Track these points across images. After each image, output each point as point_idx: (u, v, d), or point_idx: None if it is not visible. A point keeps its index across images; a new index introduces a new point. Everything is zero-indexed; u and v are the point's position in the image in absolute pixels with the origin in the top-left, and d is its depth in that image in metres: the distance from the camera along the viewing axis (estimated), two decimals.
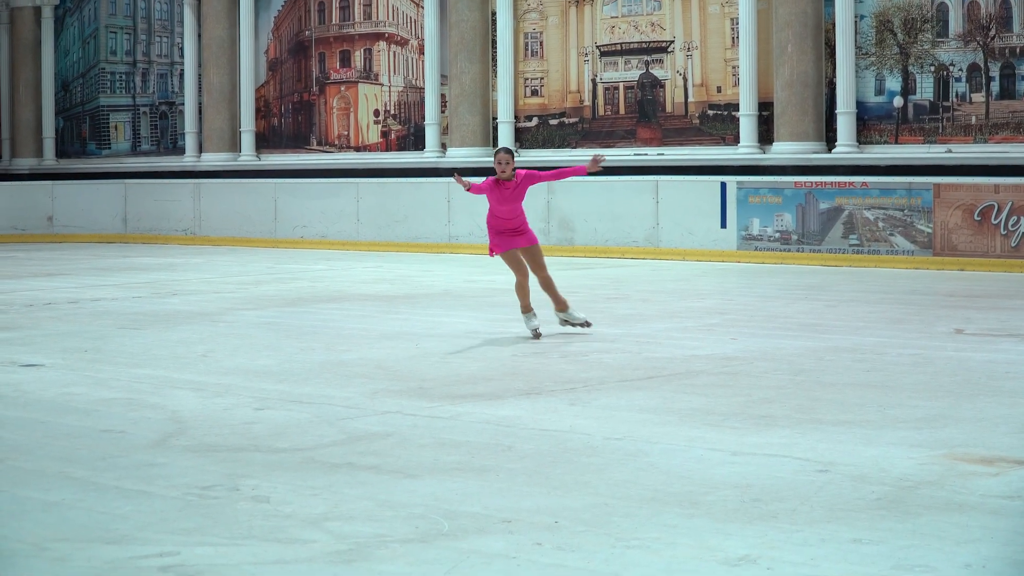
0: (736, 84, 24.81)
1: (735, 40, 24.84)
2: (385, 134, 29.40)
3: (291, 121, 30.93)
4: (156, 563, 5.69)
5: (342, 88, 30.13)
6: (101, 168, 33.77)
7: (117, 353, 13.06)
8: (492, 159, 25.79)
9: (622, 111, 26.45)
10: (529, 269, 13.19)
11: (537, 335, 12.99)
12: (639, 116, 26.14)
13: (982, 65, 22.71)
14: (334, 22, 30.35)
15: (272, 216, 29.67)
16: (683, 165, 25.07)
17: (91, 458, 8.11)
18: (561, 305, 13.25)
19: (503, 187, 13.31)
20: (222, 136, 31.17)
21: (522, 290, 13.21)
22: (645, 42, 26.07)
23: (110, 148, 34.19)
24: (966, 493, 7.05)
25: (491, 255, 13.77)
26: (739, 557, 5.80)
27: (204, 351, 13.22)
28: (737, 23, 24.65)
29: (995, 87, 22.72)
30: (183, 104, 32.21)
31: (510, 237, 13.37)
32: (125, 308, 17.25)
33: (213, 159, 31.34)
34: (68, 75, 35.14)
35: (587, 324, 13.31)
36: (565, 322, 13.22)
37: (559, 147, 26.99)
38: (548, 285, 13.40)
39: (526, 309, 13.23)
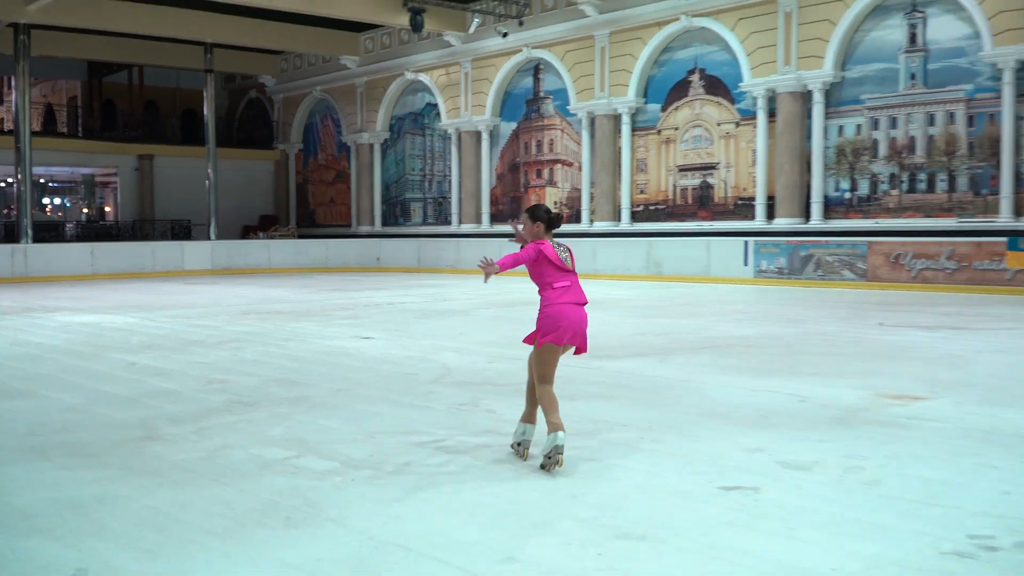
0: (755, 186, 25.18)
1: (754, 161, 25.16)
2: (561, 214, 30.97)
3: (508, 207, 31.59)
4: (434, 445, 6.17)
5: (536, 189, 30.85)
6: (405, 232, 34.93)
7: (413, 331, 13.32)
8: (614, 229, 26.87)
9: (690, 201, 26.94)
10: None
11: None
12: (699, 205, 26.65)
13: (897, 174, 22.79)
14: (533, 153, 31.04)
15: (499, 258, 31.67)
16: (724, 231, 25.51)
17: (398, 388, 8.46)
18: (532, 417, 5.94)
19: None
20: (472, 214, 32.38)
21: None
22: (703, 163, 26.60)
23: (410, 221, 35.38)
24: (886, 415, 7.21)
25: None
26: (754, 447, 6.07)
27: (461, 331, 13.37)
28: (755, 152, 25.07)
29: (904, 186, 22.67)
30: (451, 198, 33.35)
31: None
32: (418, 307, 17.49)
33: (466, 227, 32.50)
34: (389, 180, 36.38)
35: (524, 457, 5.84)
36: (518, 444, 5.93)
37: (656, 221, 27.60)
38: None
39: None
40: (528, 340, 6.06)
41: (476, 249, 31.42)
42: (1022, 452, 6.04)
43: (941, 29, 22.19)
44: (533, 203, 5.57)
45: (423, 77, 34.21)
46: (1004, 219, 20.94)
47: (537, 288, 6.15)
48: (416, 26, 28.68)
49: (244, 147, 41.05)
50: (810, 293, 21.06)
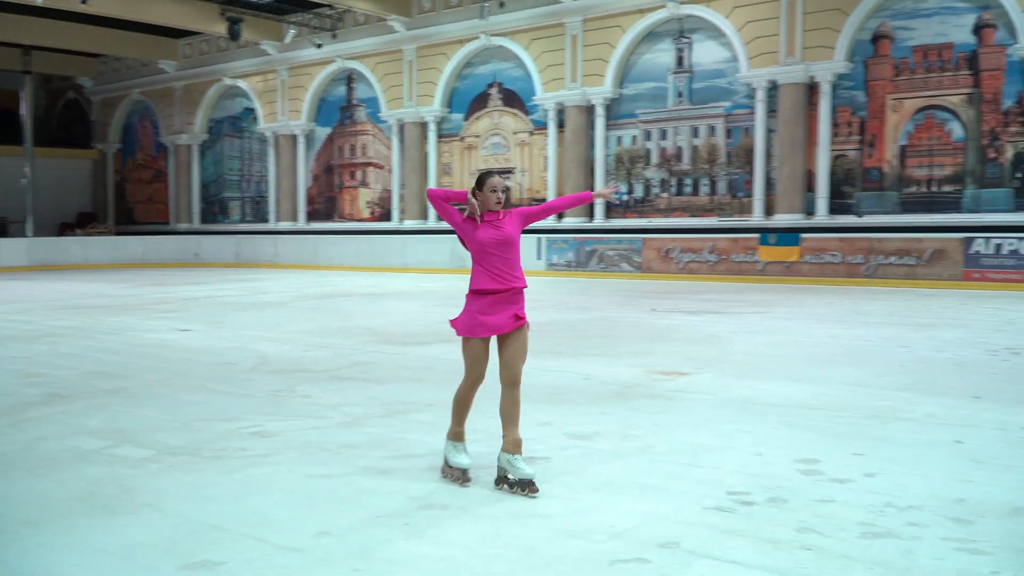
0: (546, 188, 25.46)
1: (546, 167, 25.49)
2: (372, 212, 29.68)
3: (324, 206, 30.95)
4: (251, 431, 5.98)
5: (350, 189, 30.29)
6: (224, 229, 33.67)
7: (232, 323, 12.96)
8: (422, 226, 26.69)
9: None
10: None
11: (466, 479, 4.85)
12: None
13: (667, 179, 23.58)
14: (346, 156, 30.48)
15: (314, 253, 30.06)
16: (524, 229, 26.78)
17: (216, 377, 8.19)
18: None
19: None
20: (288, 213, 31.44)
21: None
22: (502, 168, 26.65)
23: (229, 218, 34.08)
24: (657, 389, 7.45)
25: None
26: (545, 422, 6.17)
27: (278, 322, 13.01)
28: (547, 158, 25.41)
29: (673, 190, 23.46)
30: (269, 197, 32.28)
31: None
32: (237, 300, 16.91)
33: (283, 225, 31.58)
34: (207, 180, 34.83)
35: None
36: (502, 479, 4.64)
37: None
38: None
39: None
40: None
41: (293, 245, 30.95)
42: (773, 419, 6.34)
43: (705, 53, 23.29)
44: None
45: (241, 83, 33.20)
46: (757, 218, 22.21)
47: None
48: (234, 35, 27.74)
49: (62, 146, 38.59)
50: (594, 283, 21.50)
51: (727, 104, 22.93)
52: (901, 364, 8.75)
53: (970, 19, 19.72)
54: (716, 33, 22.92)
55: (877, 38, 20.84)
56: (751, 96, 22.39)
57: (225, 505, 4.49)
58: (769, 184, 22.15)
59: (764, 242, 21.48)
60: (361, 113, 30.39)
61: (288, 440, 5.80)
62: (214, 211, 35.08)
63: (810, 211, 21.52)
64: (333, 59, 30.11)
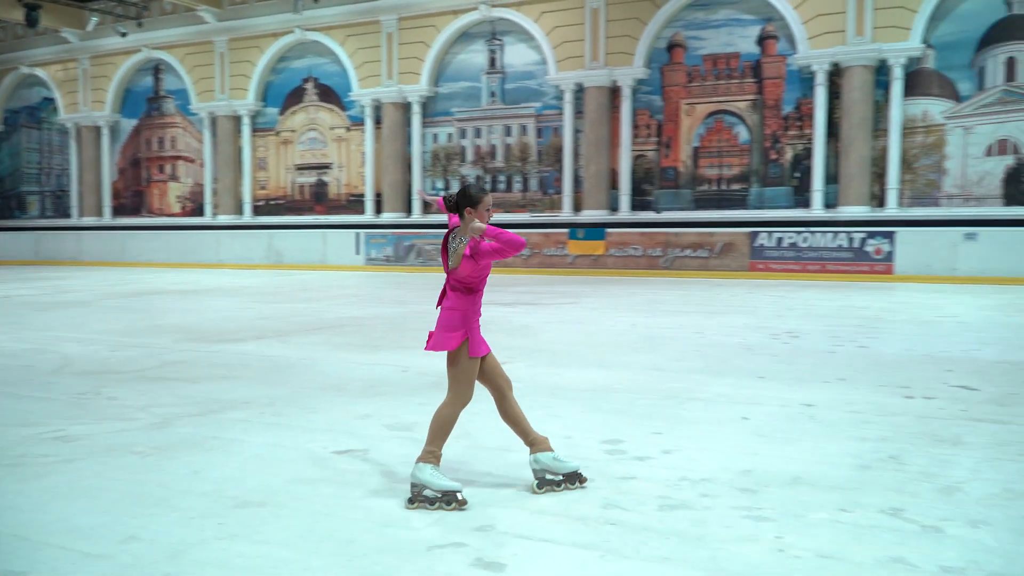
0: (364, 184, 25.34)
1: (364, 162, 25.35)
2: (183, 207, 28.67)
3: (132, 200, 29.70)
4: (53, 435, 5.65)
5: (159, 183, 29.11)
6: (22, 225, 31.73)
7: (31, 324, 12.27)
8: (236, 221, 26.10)
9: (307, 197, 26.64)
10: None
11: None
12: (316, 200, 26.43)
13: (482, 175, 23.90)
14: (155, 149, 29.32)
15: (121, 249, 28.75)
16: (338, 224, 25.34)
17: (15, 381, 7.75)
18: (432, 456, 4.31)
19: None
20: (93, 208, 29.95)
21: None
22: (319, 163, 26.39)
23: (27, 214, 32.15)
24: (431, 375, 7.58)
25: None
26: (364, 414, 6.06)
27: (82, 321, 12.40)
28: (365, 154, 25.27)
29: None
30: (70, 191, 30.73)
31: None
32: (37, 299, 16.04)
33: (88, 220, 30.06)
34: (3, 173, 32.76)
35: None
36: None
37: (276, 215, 27.00)
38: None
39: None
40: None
41: (98, 242, 29.32)
42: (581, 404, 6.51)
43: (516, 55, 23.69)
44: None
45: (40, 71, 31.07)
46: (566, 214, 22.83)
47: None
48: (32, 22, 25.87)
49: None
50: (412, 277, 21.40)
51: (537, 105, 23.43)
52: (695, 349, 9.16)
53: (755, 31, 20.98)
54: (526, 36, 23.37)
55: (672, 47, 21.84)
56: (560, 97, 22.98)
57: (27, 514, 4.20)
58: (577, 182, 22.81)
59: (573, 237, 22.11)
60: (170, 105, 29.16)
61: (93, 444, 5.48)
62: (11, 206, 32.85)
63: (614, 207, 22.32)
64: (139, 48, 28.71)
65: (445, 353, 4.36)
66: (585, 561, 3.58)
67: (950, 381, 7.33)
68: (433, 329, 4.39)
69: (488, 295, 16.01)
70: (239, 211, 27.56)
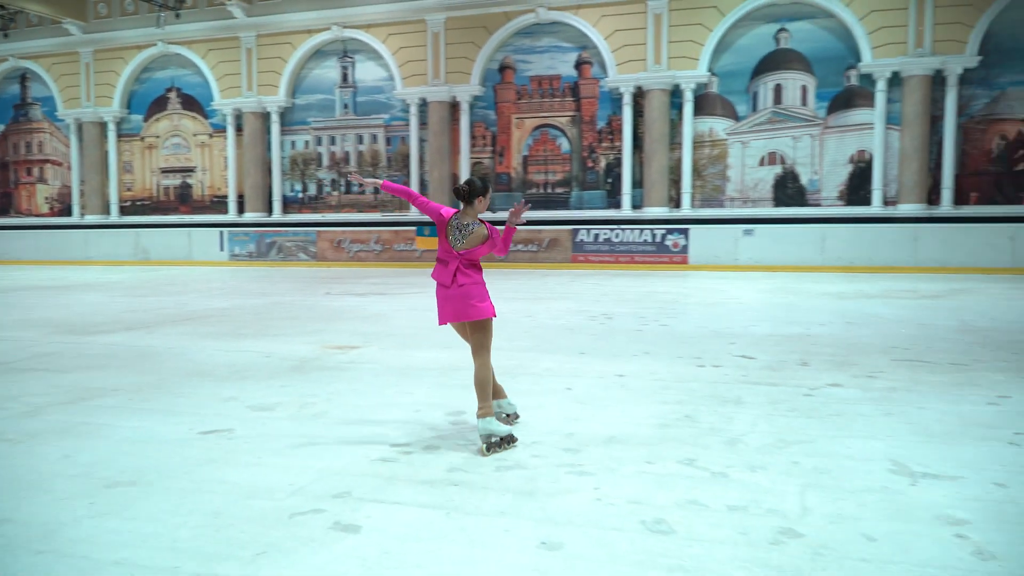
0: (227, 186, 24.20)
1: (226, 166, 24.18)
2: (52, 208, 26.63)
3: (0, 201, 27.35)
4: None
5: (27, 185, 26.92)
6: None
7: None
8: (104, 221, 24.51)
9: (172, 198, 25.25)
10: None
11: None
12: (181, 201, 25.05)
13: (337, 179, 23.15)
14: (22, 153, 27.05)
15: None
16: (203, 223, 24.20)
17: None
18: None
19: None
20: None
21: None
22: (183, 167, 25.07)
23: None
24: (331, 362, 7.46)
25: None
26: (228, 397, 5.84)
27: None
28: (227, 159, 24.08)
29: (342, 189, 23.08)
30: None
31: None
32: None
33: None
34: None
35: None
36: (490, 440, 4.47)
37: (143, 215, 25.47)
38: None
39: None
40: None
41: None
42: (428, 381, 6.42)
43: (366, 72, 23.27)
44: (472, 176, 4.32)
45: None
46: (413, 214, 22.64)
47: None
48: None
49: None
50: (274, 272, 20.76)
51: (386, 116, 23.12)
52: (526, 331, 9.22)
53: (573, 56, 21.45)
54: (375, 55, 23.00)
55: (503, 68, 22.03)
56: (406, 110, 22.77)
57: None
58: (423, 185, 22.66)
59: (420, 234, 21.99)
60: (37, 112, 26.92)
61: None
62: None
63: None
64: (6, 58, 26.35)
65: (467, 324, 4.53)
66: (432, 519, 3.57)
67: (733, 352, 7.66)
68: (455, 303, 4.48)
69: (343, 286, 15.80)
70: (106, 211, 25.83)
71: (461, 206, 4.59)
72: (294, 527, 3.50)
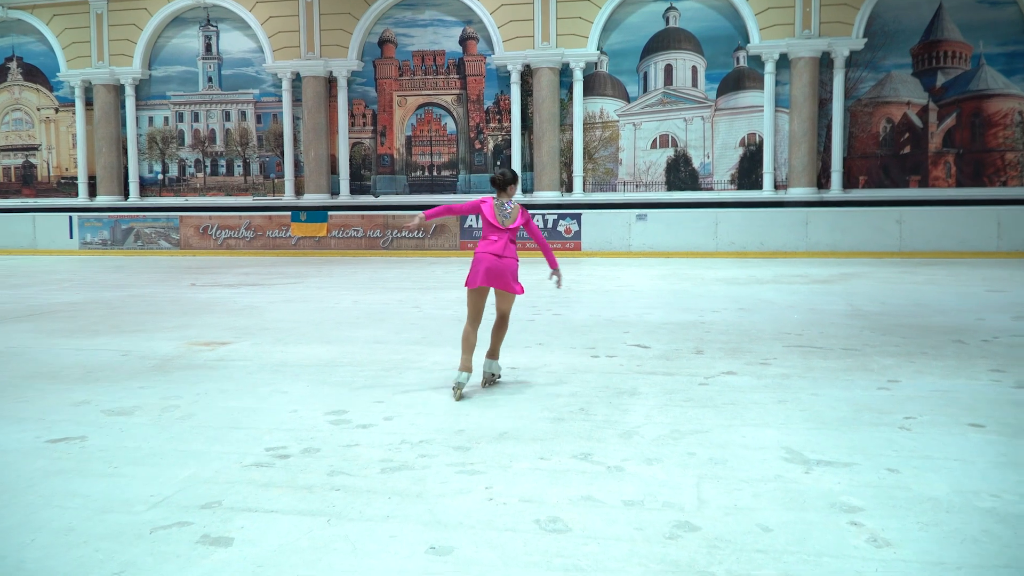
0: (76, 167, 23.20)
1: (75, 144, 23.16)
2: None
3: None
4: None
5: None
6: None
7: None
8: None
9: (14, 180, 23.84)
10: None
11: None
12: (24, 183, 23.84)
13: (201, 160, 22.58)
14: None
15: None
16: (49, 208, 22.99)
17: None
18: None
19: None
20: None
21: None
22: (25, 145, 23.75)
23: None
24: (197, 359, 7.10)
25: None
26: (81, 400, 5.54)
27: None
28: (76, 136, 23.00)
29: (208, 170, 22.46)
30: None
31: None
32: None
33: None
34: None
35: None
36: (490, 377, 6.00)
37: None
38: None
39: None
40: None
41: None
42: (306, 378, 6.35)
43: (232, 42, 22.54)
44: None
45: None
46: (288, 198, 22.15)
47: None
48: None
49: None
50: (132, 261, 19.96)
51: (256, 91, 22.51)
52: (413, 322, 9.20)
53: (457, 31, 21.39)
54: (242, 24, 22.32)
55: (383, 42, 21.77)
56: (278, 85, 22.23)
57: None
58: (298, 166, 22.21)
59: (296, 219, 21.51)
60: None
61: None
62: None
63: (335, 191, 21.96)
64: None
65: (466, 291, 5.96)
66: (311, 527, 3.50)
67: (628, 341, 7.86)
68: (501, 273, 5.72)
69: (212, 276, 15.34)
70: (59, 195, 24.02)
71: (496, 193, 5.95)
72: (156, 542, 3.36)
